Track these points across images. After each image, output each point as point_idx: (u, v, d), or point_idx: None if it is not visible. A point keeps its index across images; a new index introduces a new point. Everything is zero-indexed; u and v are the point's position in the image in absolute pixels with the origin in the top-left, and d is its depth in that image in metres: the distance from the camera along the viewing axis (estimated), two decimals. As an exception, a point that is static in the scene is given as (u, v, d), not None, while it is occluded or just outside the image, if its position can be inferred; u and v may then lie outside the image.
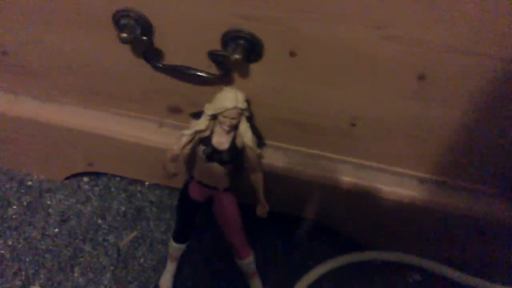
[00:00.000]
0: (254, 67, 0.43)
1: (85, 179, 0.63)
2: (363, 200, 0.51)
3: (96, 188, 0.62)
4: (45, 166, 0.61)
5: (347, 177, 0.50)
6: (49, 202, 0.61)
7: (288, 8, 0.38)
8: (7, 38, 0.49)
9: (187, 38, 0.43)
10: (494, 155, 0.44)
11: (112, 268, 0.56)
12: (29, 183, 0.63)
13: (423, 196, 0.49)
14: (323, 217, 0.56)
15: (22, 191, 0.62)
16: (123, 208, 0.61)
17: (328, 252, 0.56)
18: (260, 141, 0.49)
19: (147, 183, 0.62)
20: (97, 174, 0.62)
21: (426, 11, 0.35)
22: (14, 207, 0.61)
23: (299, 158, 0.51)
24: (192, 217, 0.51)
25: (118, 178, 0.62)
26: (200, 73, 0.44)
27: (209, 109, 0.44)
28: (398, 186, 0.50)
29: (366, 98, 0.43)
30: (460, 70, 0.38)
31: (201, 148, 0.46)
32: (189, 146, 0.47)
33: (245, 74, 0.44)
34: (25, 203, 0.61)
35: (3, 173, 0.63)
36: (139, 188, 0.62)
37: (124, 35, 0.41)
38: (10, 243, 0.58)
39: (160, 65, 0.44)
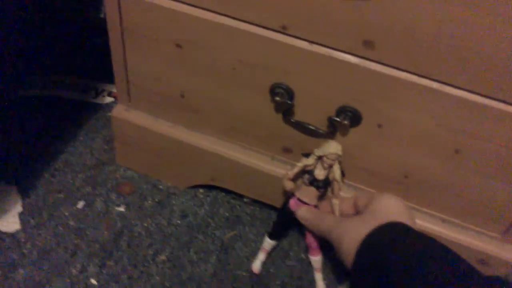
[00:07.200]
0: (352, 130, 0.68)
1: (201, 190, 0.87)
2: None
3: (208, 198, 0.87)
4: (175, 176, 0.86)
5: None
6: (173, 202, 0.86)
7: (377, 97, 0.63)
8: (185, 85, 0.73)
9: (313, 105, 0.67)
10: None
11: (217, 252, 0.80)
12: (160, 186, 0.88)
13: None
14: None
15: (155, 191, 0.87)
16: (226, 214, 0.85)
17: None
18: (343, 178, 0.74)
19: (245, 200, 0.87)
20: (209, 188, 0.87)
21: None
22: (149, 201, 0.86)
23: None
24: (286, 222, 0.76)
25: (224, 193, 0.87)
26: (315, 129, 0.69)
27: (317, 152, 0.70)
28: (427, 222, 0.74)
29: (417, 159, 0.68)
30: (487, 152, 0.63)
31: (306, 176, 0.71)
32: (297, 174, 0.72)
33: (345, 133, 0.68)
34: (156, 200, 0.86)
35: (142, 177, 0.88)
36: (239, 203, 0.87)
37: (277, 98, 0.67)
38: (145, 225, 0.82)
39: (292, 120, 0.70)
